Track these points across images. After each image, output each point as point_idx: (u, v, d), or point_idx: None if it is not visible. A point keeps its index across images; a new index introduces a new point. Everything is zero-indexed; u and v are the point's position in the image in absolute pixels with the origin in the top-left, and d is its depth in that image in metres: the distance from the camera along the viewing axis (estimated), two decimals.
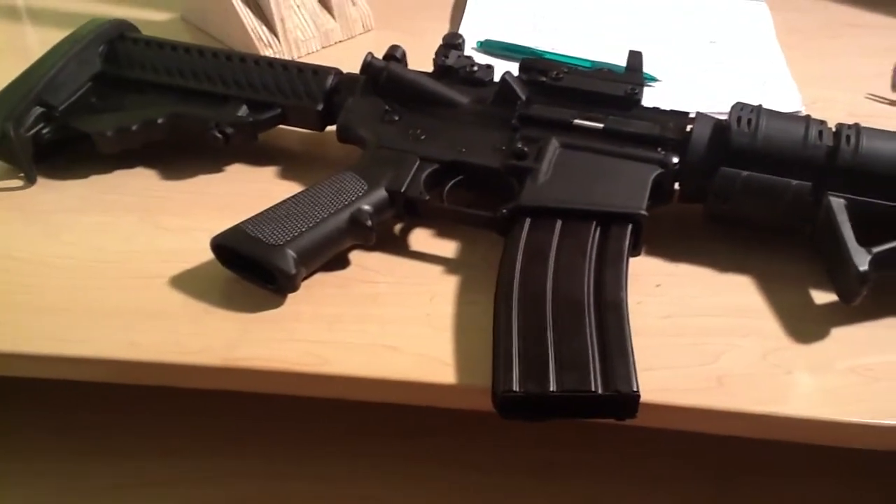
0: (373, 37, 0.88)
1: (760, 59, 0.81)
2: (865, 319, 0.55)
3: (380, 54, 0.67)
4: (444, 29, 0.88)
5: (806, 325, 0.55)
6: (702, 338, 0.54)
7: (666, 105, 0.63)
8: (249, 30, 0.80)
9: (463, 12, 0.89)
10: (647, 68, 0.77)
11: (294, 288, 0.56)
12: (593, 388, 0.47)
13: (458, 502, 0.61)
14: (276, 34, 0.81)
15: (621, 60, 0.65)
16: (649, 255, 0.60)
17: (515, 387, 0.47)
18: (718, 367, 0.52)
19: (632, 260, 0.57)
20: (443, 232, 0.62)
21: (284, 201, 0.58)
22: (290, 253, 0.55)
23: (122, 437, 0.65)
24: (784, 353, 0.53)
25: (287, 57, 0.82)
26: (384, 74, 0.64)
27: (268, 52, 0.80)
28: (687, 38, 0.85)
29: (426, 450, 0.63)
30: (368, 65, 0.65)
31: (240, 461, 0.63)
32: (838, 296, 0.55)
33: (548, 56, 0.80)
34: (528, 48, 0.81)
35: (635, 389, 0.47)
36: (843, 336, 0.54)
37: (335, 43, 0.86)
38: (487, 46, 0.83)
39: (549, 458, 0.63)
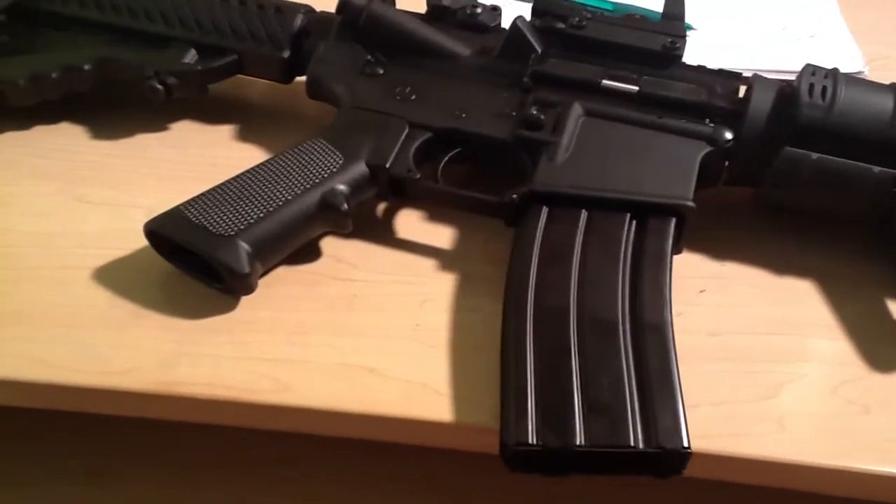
0: None
1: (811, 8, 0.69)
2: None
3: None
4: None
5: (883, 348, 0.45)
6: (756, 363, 0.44)
7: (700, 61, 0.51)
8: None
9: None
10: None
11: (248, 289, 0.44)
12: (632, 444, 0.36)
13: None
14: None
15: (648, 3, 0.53)
16: (690, 251, 0.49)
17: (531, 438, 0.36)
18: (780, 403, 0.42)
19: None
20: (437, 215, 0.51)
21: (237, 177, 0.46)
22: (243, 246, 0.43)
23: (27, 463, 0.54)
24: (859, 385, 0.43)
25: None
26: (364, 15, 0.52)
27: None
28: None
29: (416, 476, 0.53)
30: (345, 2, 0.53)
31: (215, 484, 0.53)
32: None
33: None
34: None
35: (686, 446, 0.36)
36: None
37: None
38: None
39: (548, 489, 0.53)
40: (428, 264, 0.48)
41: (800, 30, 0.66)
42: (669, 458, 0.37)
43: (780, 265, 0.49)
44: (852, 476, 0.40)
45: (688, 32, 0.64)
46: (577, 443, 0.36)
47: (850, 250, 0.49)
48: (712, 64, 0.51)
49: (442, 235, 0.50)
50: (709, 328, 0.45)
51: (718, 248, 0.49)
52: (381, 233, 0.50)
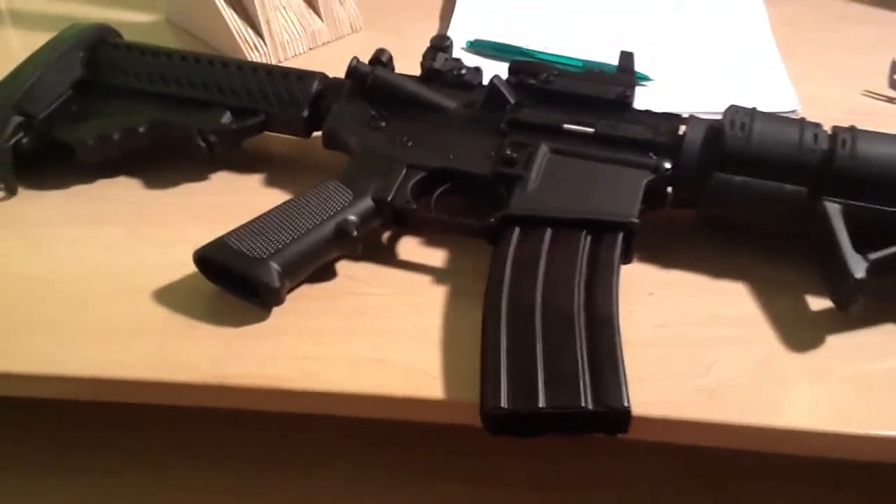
0: (361, 37, 0.87)
1: (755, 56, 0.80)
2: (863, 326, 0.54)
3: (368, 56, 0.66)
4: (434, 29, 0.87)
5: (801, 333, 0.54)
6: (695, 348, 0.53)
7: (659, 106, 0.62)
8: (234, 32, 0.78)
9: (452, 12, 0.87)
10: (640, 67, 0.75)
11: (279, 301, 0.55)
12: (583, 404, 0.46)
13: None
14: (261, 36, 0.80)
15: (614, 59, 0.64)
16: (642, 262, 0.59)
17: (504, 403, 0.46)
18: (711, 378, 0.51)
19: (624, 268, 0.56)
20: (432, 240, 0.61)
21: (268, 212, 0.57)
22: (274, 266, 0.53)
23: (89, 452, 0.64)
24: (778, 362, 0.52)
25: (273, 59, 0.81)
26: (369, 79, 0.63)
27: (254, 55, 0.79)
28: (681, 35, 0.84)
29: (411, 462, 0.62)
30: (354, 69, 0.64)
31: (216, 475, 0.62)
32: (834, 303, 0.54)
33: (539, 56, 0.79)
34: (519, 48, 0.80)
35: (626, 405, 0.46)
36: (840, 344, 0.53)
37: (323, 44, 0.85)
38: (477, 46, 0.81)
39: (537, 469, 0.62)
40: (425, 280, 0.58)
41: (744, 77, 0.76)
42: (615, 416, 0.46)
43: (719, 271, 0.58)
44: (768, 432, 0.49)
45: (645, 83, 0.76)
46: (541, 405, 0.46)
47: (780, 258, 0.58)
48: (675, 107, 0.61)
49: (437, 257, 0.59)
50: (655, 322, 0.54)
51: (666, 259, 0.59)
52: (387, 255, 0.60)
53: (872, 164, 0.54)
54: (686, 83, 0.76)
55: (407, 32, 0.84)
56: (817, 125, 0.57)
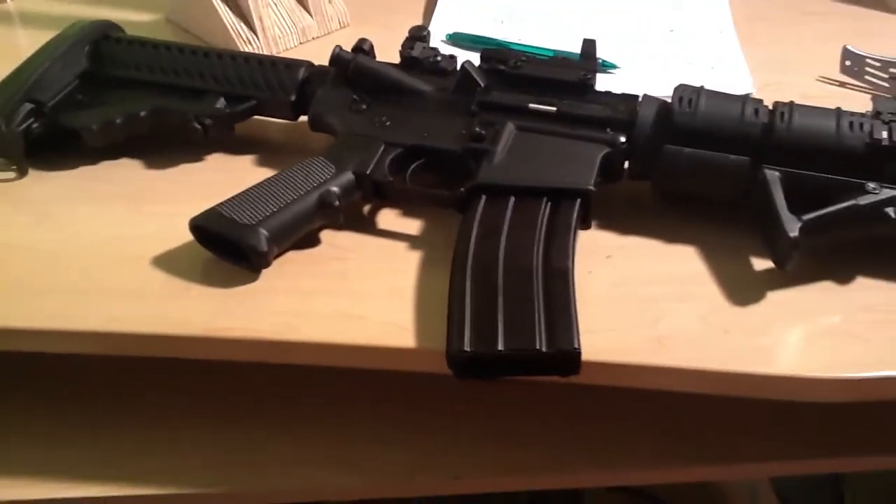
0: (349, 33, 0.92)
1: (715, 45, 0.85)
2: (800, 284, 0.59)
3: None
4: (418, 24, 0.92)
5: (744, 290, 0.59)
6: (646, 303, 0.58)
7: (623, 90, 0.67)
8: (229, 28, 0.84)
9: (434, 7, 0.93)
10: (609, 56, 0.81)
11: (267, 264, 0.60)
12: (538, 347, 0.51)
13: (430, 465, 0.65)
14: (254, 31, 0.85)
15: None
16: (602, 230, 0.64)
17: (467, 347, 0.51)
18: (660, 328, 0.56)
19: (585, 234, 0.62)
20: (409, 213, 0.66)
21: (258, 184, 0.62)
22: (263, 231, 0.59)
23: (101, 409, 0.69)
24: (722, 314, 0.57)
25: (266, 53, 0.86)
26: (352, 66, 0.69)
27: (247, 49, 0.85)
28: (647, 27, 0.89)
29: (397, 417, 0.67)
30: (337, 57, 0.69)
31: (218, 431, 0.67)
32: (773, 262, 0.59)
33: (513, 47, 0.84)
34: (495, 40, 0.85)
35: (576, 346, 0.51)
36: (779, 299, 0.58)
37: (312, 39, 0.90)
38: (457, 39, 0.87)
39: (511, 423, 0.67)
40: (402, 248, 0.63)
41: (703, 63, 0.82)
42: (566, 358, 0.51)
43: (673, 237, 0.63)
44: (710, 375, 0.54)
45: (612, 71, 0.81)
46: (500, 349, 0.51)
47: (729, 225, 0.63)
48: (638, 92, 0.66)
49: (413, 227, 0.64)
50: (610, 282, 0.60)
51: (624, 227, 0.64)
52: (367, 226, 0.65)
53: (807, 134, 0.60)
54: (650, 71, 0.82)
55: (392, 28, 0.88)
56: (759, 101, 0.62)
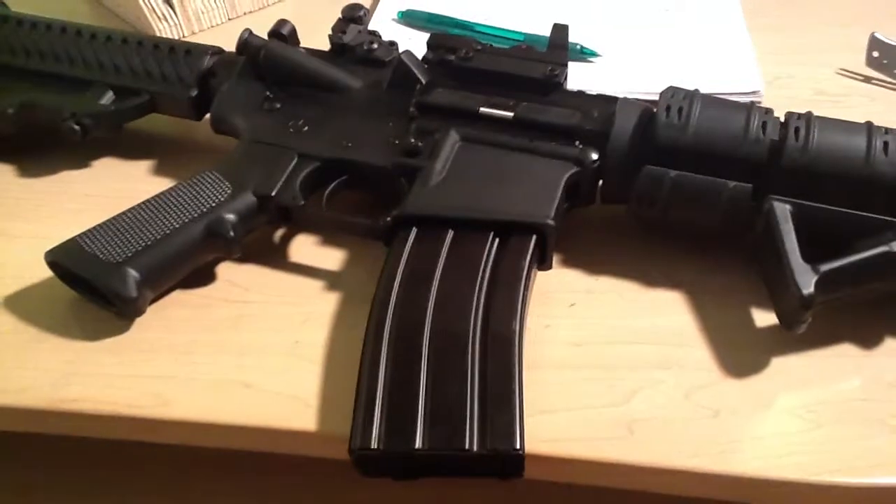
0: (289, 7, 0.79)
1: (716, 29, 0.71)
2: (812, 347, 0.47)
3: None
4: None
5: (740, 354, 0.47)
6: (615, 371, 0.46)
7: (608, 87, 0.54)
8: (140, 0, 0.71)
9: None
10: (589, 42, 0.68)
11: (137, 312, 0.48)
12: (466, 446, 0.39)
13: None
14: (171, 5, 0.72)
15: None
16: (567, 267, 0.51)
17: (374, 444, 0.39)
18: (632, 407, 0.44)
19: (546, 274, 0.49)
20: (329, 240, 0.54)
21: (132, 209, 0.49)
22: (131, 272, 0.46)
23: None
24: (711, 390, 0.45)
25: (185, 31, 0.73)
26: (262, 53, 0.55)
27: (161, 26, 0.72)
28: (637, 5, 0.75)
29: None
30: (244, 43, 0.56)
31: None
32: (779, 320, 0.46)
33: (477, 28, 0.71)
34: (454, 19, 0.72)
35: (518, 447, 0.39)
36: (783, 368, 0.46)
37: (244, 14, 0.77)
38: (409, 17, 0.73)
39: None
40: (317, 286, 0.51)
41: (705, 53, 0.68)
42: (505, 460, 0.39)
43: (652, 279, 0.51)
44: (695, 476, 0.42)
45: (592, 59, 0.68)
46: (417, 447, 0.39)
47: (719, 263, 0.51)
48: (626, 89, 0.53)
49: (333, 259, 0.52)
50: (573, 339, 0.47)
51: (594, 264, 0.51)
52: (276, 258, 0.53)
53: (829, 158, 0.46)
54: (640, 60, 0.68)
55: (343, 3, 0.76)
56: (768, 111, 0.49)
